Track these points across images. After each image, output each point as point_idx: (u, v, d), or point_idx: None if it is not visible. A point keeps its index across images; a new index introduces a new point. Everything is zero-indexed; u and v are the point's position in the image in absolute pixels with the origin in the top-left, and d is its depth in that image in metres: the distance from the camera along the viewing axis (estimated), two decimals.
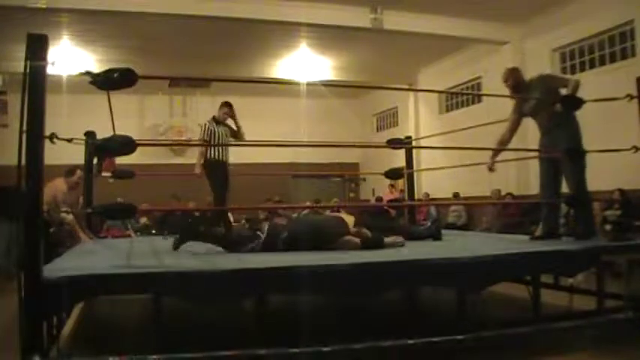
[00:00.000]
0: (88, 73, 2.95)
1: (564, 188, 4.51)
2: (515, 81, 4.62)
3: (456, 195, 10.68)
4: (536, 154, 5.55)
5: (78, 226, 5.63)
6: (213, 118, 6.34)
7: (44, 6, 7.41)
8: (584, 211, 4.40)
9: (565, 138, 4.23)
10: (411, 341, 2.98)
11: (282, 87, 13.65)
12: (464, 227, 9.94)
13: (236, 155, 5.35)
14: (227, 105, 6.53)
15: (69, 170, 5.76)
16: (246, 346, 2.80)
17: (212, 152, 6.04)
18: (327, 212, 5.20)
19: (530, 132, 4.84)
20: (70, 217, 5.56)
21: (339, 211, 5.53)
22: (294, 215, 10.50)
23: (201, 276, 2.86)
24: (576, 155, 4.15)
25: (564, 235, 4.89)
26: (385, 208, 7.50)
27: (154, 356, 2.62)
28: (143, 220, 11.21)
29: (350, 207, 10.37)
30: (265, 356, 2.73)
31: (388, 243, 3.97)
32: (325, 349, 2.81)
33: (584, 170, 4.25)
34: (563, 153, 4.14)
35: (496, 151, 4.67)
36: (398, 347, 2.99)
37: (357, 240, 3.94)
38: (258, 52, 10.73)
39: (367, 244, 3.88)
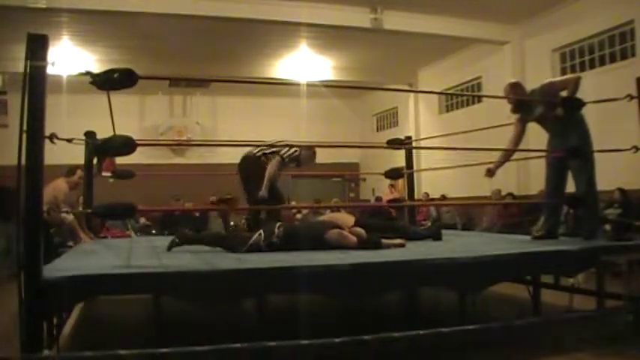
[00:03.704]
0: (88, 73, 2.96)
1: (569, 189, 4.51)
2: (517, 96, 4.57)
3: (443, 197, 10.70)
4: (536, 154, 5.56)
5: (78, 226, 5.63)
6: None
7: (44, 6, 7.41)
8: (591, 211, 4.40)
9: (575, 139, 4.23)
10: (422, 332, 2.97)
11: (282, 87, 13.65)
12: (454, 227, 9.93)
13: (236, 155, 5.35)
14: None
15: (69, 170, 5.76)
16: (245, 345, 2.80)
17: None
18: (328, 212, 5.21)
19: (531, 133, 4.84)
20: (71, 217, 5.56)
21: (339, 211, 5.54)
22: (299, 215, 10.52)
23: (201, 276, 2.86)
24: (582, 154, 4.15)
25: (564, 235, 4.89)
26: (386, 208, 7.50)
27: (167, 349, 2.62)
28: (142, 220, 11.21)
29: (350, 207, 10.36)
30: (276, 348, 2.72)
31: (387, 245, 3.97)
32: (336, 340, 2.80)
33: (593, 170, 4.25)
34: (571, 153, 4.14)
35: (501, 162, 4.64)
36: (397, 345, 2.99)
37: (354, 238, 3.94)
38: (258, 52, 10.73)
39: (365, 245, 3.88)
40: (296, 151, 4.99)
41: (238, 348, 2.66)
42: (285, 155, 4.93)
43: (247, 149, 5.17)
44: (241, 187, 5.18)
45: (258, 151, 5.05)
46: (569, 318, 3.99)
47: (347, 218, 4.37)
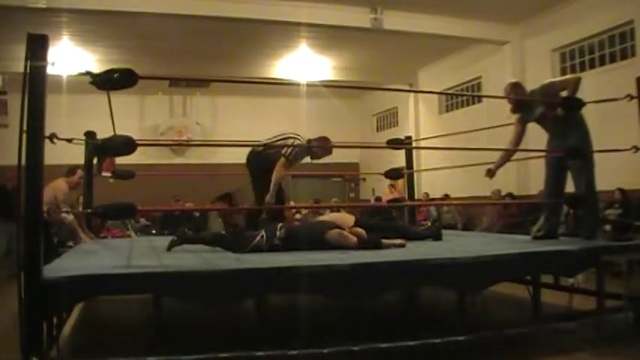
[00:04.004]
0: (88, 73, 2.95)
1: (568, 189, 4.51)
2: (517, 96, 4.56)
3: (446, 196, 10.70)
4: (536, 154, 5.56)
5: (78, 226, 5.62)
6: None
7: (44, 6, 7.41)
8: (591, 211, 4.40)
9: (575, 139, 4.23)
10: (411, 343, 2.98)
11: (282, 87, 13.65)
12: (454, 227, 9.93)
13: (236, 155, 5.34)
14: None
15: (70, 170, 5.75)
16: (245, 346, 2.80)
17: None
18: (328, 212, 5.20)
19: (531, 133, 4.84)
20: (71, 217, 5.55)
21: (339, 211, 5.53)
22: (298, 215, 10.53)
23: (201, 276, 2.86)
24: (582, 155, 4.15)
25: (564, 235, 4.89)
26: (386, 208, 7.50)
27: (153, 358, 2.62)
28: (142, 220, 11.21)
29: (350, 207, 10.36)
30: (264, 357, 2.72)
31: (387, 245, 3.97)
32: (324, 350, 2.81)
33: (593, 170, 4.25)
34: (572, 153, 4.14)
35: (501, 162, 4.64)
36: (397, 349, 2.99)
37: (354, 238, 3.94)
38: (258, 52, 10.73)
39: (365, 246, 3.88)
40: (298, 147, 4.85)
41: (226, 357, 2.65)
42: (288, 154, 4.81)
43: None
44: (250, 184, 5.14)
45: (260, 146, 5.00)
46: (569, 318, 4.00)
47: (347, 218, 4.37)
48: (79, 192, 6.17)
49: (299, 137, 4.95)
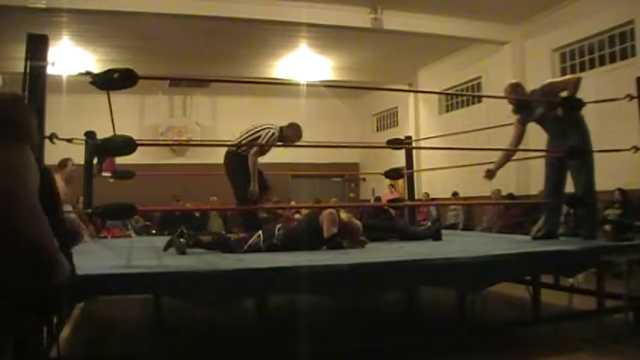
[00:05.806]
0: (88, 73, 2.96)
1: (568, 189, 4.51)
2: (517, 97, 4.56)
3: (455, 194, 10.69)
4: (536, 154, 5.56)
5: (81, 223, 5.55)
6: None
7: (44, 6, 7.41)
8: (591, 211, 4.40)
9: (575, 140, 4.23)
10: (411, 342, 2.98)
11: (282, 87, 13.65)
12: (455, 227, 9.94)
13: None
14: None
15: (61, 163, 5.60)
16: (246, 346, 2.80)
17: None
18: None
19: (531, 133, 4.84)
20: (72, 216, 5.52)
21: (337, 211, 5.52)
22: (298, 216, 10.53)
23: (201, 276, 2.86)
24: (581, 155, 4.15)
25: (564, 235, 4.89)
26: (385, 207, 7.50)
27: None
28: (141, 220, 11.18)
29: (350, 207, 10.36)
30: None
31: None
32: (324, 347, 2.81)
33: (592, 170, 4.25)
34: (571, 153, 4.14)
35: (501, 163, 4.63)
36: (397, 346, 2.99)
37: (335, 229, 3.95)
38: (258, 52, 10.74)
39: (330, 243, 3.92)
40: (273, 134, 4.85)
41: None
42: (264, 142, 4.81)
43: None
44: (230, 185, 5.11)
45: (235, 146, 4.98)
46: (569, 318, 4.00)
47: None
48: (78, 193, 6.15)
49: (271, 126, 4.95)
